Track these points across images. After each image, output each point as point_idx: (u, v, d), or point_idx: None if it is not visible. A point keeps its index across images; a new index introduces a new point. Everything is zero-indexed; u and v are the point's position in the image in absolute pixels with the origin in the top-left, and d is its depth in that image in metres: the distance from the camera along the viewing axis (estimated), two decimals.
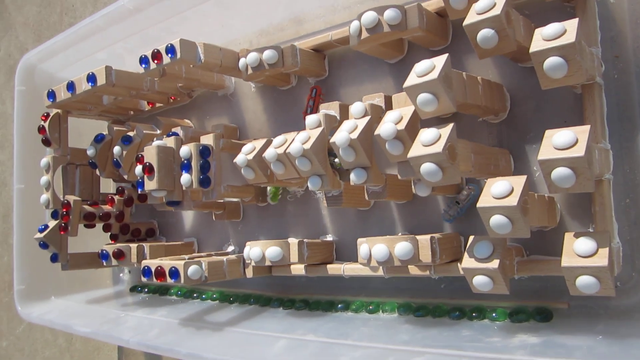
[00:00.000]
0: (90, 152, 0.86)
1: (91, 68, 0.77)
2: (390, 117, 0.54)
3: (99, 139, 0.86)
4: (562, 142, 0.44)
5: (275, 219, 0.79)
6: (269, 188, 0.77)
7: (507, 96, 0.59)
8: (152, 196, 0.77)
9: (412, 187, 0.58)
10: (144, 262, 0.71)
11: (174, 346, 0.65)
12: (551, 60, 0.45)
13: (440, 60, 0.49)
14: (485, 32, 0.48)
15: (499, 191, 0.47)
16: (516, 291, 0.57)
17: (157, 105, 0.92)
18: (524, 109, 0.58)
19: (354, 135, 0.55)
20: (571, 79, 0.45)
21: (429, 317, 0.61)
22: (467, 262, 0.51)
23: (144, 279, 0.70)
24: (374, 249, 0.56)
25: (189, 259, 0.71)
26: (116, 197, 0.89)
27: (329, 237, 0.72)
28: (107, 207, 0.88)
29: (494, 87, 0.57)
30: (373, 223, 0.69)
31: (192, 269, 0.67)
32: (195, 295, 0.86)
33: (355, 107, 0.59)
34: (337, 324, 0.64)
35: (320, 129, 0.61)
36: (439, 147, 0.47)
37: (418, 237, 0.55)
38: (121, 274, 1.03)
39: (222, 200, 0.80)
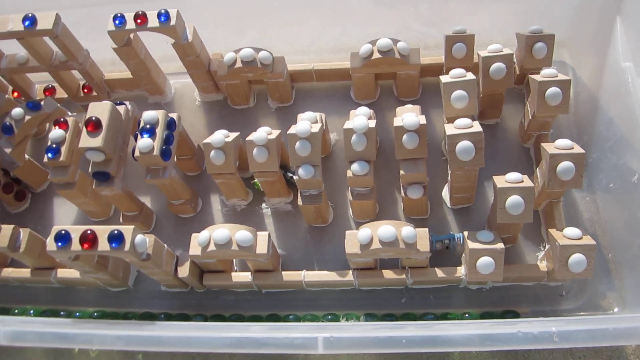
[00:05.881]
0: None
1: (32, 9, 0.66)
2: (409, 113, 0.60)
3: None
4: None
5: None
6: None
7: None
8: (57, 172, 0.63)
9: (402, 191, 0.62)
10: (57, 227, 0.55)
11: None
12: (551, 90, 0.59)
13: (470, 73, 0.59)
14: (498, 65, 0.61)
15: (513, 178, 0.55)
16: (477, 302, 0.62)
17: (56, 96, 0.80)
18: None
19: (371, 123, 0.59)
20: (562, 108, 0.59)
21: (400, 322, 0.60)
22: (473, 245, 0.55)
23: (52, 247, 0.54)
24: (380, 229, 0.56)
25: None
26: None
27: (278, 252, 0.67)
28: None
29: None
30: (327, 240, 0.67)
31: (140, 238, 0.54)
32: (62, 313, 0.66)
33: (361, 109, 0.64)
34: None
35: (320, 125, 0.63)
36: (478, 128, 0.55)
37: (412, 227, 0.58)
38: None
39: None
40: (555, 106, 0.59)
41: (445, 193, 0.67)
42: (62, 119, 0.65)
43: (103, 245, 0.53)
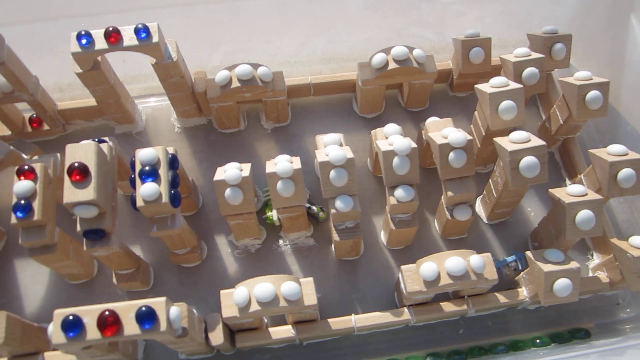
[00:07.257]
0: None
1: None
2: (450, 128, 0.55)
3: None
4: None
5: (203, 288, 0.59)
6: (269, 213, 0.60)
7: None
8: (30, 234, 0.50)
9: (447, 214, 0.56)
10: (61, 312, 0.42)
11: None
12: (592, 94, 0.56)
13: (513, 82, 0.55)
14: (532, 70, 0.57)
15: (576, 191, 0.51)
16: (537, 323, 0.58)
17: None
18: None
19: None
20: None
21: (469, 359, 0.54)
22: (546, 267, 0.51)
23: (60, 339, 0.41)
24: (448, 263, 0.49)
25: None
26: None
27: None
28: None
29: None
30: (362, 274, 0.60)
31: (175, 311, 0.43)
32: None
33: (390, 127, 0.57)
34: None
35: (348, 150, 0.55)
36: (539, 142, 0.50)
37: (478, 255, 0.52)
38: None
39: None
40: (596, 110, 0.57)
41: (479, 207, 0.63)
42: (25, 167, 0.51)
43: (130, 328, 0.42)
